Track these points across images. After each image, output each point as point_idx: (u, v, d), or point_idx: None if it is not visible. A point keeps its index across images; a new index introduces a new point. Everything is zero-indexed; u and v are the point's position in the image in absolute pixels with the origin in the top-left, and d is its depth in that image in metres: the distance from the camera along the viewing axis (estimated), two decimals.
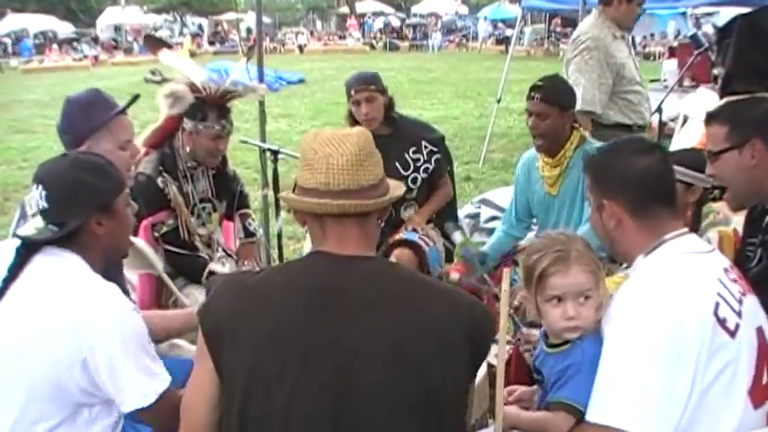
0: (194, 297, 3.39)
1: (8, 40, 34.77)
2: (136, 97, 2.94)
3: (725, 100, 2.63)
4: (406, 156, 3.98)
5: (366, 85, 3.84)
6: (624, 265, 2.24)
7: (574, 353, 1.93)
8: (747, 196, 2.47)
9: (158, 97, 3.32)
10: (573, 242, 1.97)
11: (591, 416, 1.77)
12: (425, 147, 4.02)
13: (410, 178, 3.97)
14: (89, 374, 1.91)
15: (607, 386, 1.77)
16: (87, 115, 2.73)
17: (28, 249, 2.03)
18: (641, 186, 1.94)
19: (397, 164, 3.89)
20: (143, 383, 1.94)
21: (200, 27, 40.86)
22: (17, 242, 2.06)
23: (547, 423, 1.90)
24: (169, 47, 3.89)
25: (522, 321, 3.20)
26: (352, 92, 3.84)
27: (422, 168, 4.02)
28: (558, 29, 33.45)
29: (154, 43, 3.89)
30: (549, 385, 1.98)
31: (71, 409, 1.97)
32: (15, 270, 2.00)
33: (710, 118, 2.43)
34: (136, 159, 3.07)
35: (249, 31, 25.14)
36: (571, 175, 3.56)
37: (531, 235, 3.99)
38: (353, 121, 3.90)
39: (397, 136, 3.94)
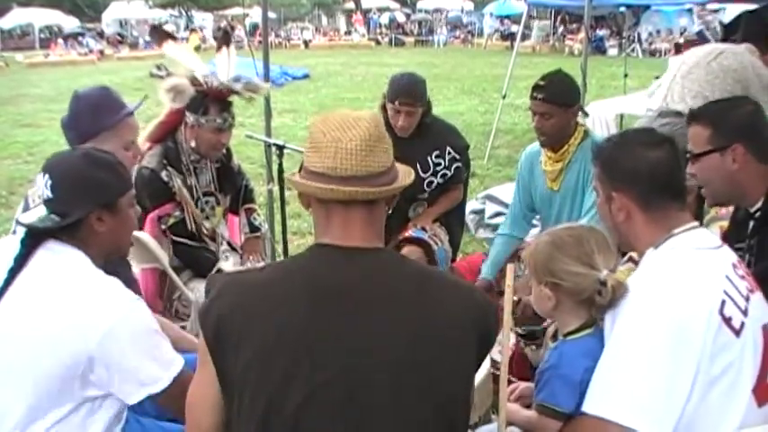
0: (199, 291, 3.39)
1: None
2: (144, 98, 2.95)
3: (708, 101, 2.62)
4: (429, 159, 3.92)
5: (412, 101, 3.76)
6: (625, 259, 2.23)
7: (553, 355, 1.97)
8: (726, 197, 2.47)
9: (160, 92, 3.33)
10: (548, 235, 2.03)
11: (588, 407, 1.77)
12: (449, 153, 3.97)
13: (426, 181, 3.93)
14: (96, 369, 1.92)
15: (607, 379, 1.76)
16: (96, 115, 2.74)
17: (33, 239, 2.03)
18: (652, 180, 1.93)
19: (418, 165, 3.82)
20: (153, 371, 1.95)
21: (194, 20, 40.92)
22: (20, 237, 2.06)
23: (537, 423, 1.93)
24: (174, 39, 3.88)
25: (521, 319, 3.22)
26: (396, 102, 3.75)
27: (440, 173, 3.97)
28: (568, 25, 33.43)
29: (159, 35, 3.89)
30: (535, 383, 2.02)
31: (76, 402, 1.97)
32: (21, 261, 2.00)
33: (692, 118, 2.42)
34: (138, 160, 3.08)
35: (255, 26, 25.13)
36: (572, 169, 3.54)
37: (534, 231, 3.97)
38: (385, 119, 3.81)
39: (423, 138, 3.87)
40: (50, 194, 2.03)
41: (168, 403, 2.02)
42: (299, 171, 1.73)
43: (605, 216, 2.06)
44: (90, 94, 2.84)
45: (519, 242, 3.87)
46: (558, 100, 3.42)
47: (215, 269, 3.48)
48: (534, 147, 3.77)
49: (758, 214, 2.38)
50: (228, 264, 3.63)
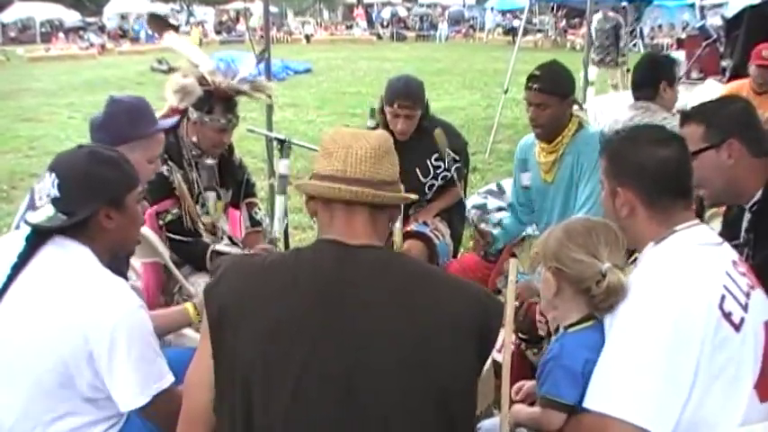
0: (200, 285, 3.39)
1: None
2: (181, 117, 2.98)
3: (699, 101, 2.62)
4: (428, 162, 3.92)
5: (411, 103, 3.75)
6: (631, 258, 2.23)
7: (554, 347, 1.96)
8: (724, 195, 2.47)
9: (167, 90, 3.32)
10: (555, 232, 2.00)
11: (589, 403, 1.77)
12: (448, 154, 3.91)
13: (428, 185, 3.94)
14: (95, 368, 1.92)
15: (609, 374, 1.76)
16: (133, 123, 2.76)
17: (38, 237, 2.04)
18: (658, 178, 1.92)
19: (418, 170, 3.83)
20: (138, 384, 1.94)
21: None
22: (26, 232, 2.06)
23: (541, 419, 1.91)
24: (175, 29, 3.86)
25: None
26: (395, 105, 3.74)
27: (440, 176, 3.97)
28: (570, 20, 33.37)
29: (158, 24, 3.86)
30: (537, 377, 2.01)
31: (77, 402, 1.98)
32: (25, 258, 2.01)
33: (686, 119, 2.43)
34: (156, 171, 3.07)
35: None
36: (565, 161, 3.52)
37: (529, 230, 3.95)
38: (384, 122, 3.82)
39: (422, 142, 3.84)
40: (57, 193, 2.03)
41: (153, 416, 2.02)
42: (310, 179, 1.75)
43: (609, 210, 2.05)
44: (128, 100, 2.87)
45: (524, 228, 3.88)
46: (553, 90, 3.40)
47: (209, 250, 3.48)
48: (529, 138, 3.75)
49: (755, 207, 2.38)
50: (229, 250, 3.62)
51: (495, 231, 3.88)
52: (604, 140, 2.14)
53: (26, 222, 2.10)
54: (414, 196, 1.85)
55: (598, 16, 13.01)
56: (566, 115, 3.48)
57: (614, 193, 1.99)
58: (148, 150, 2.79)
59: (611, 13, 12.71)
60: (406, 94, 3.77)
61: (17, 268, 1.99)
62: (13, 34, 36.46)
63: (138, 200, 2.21)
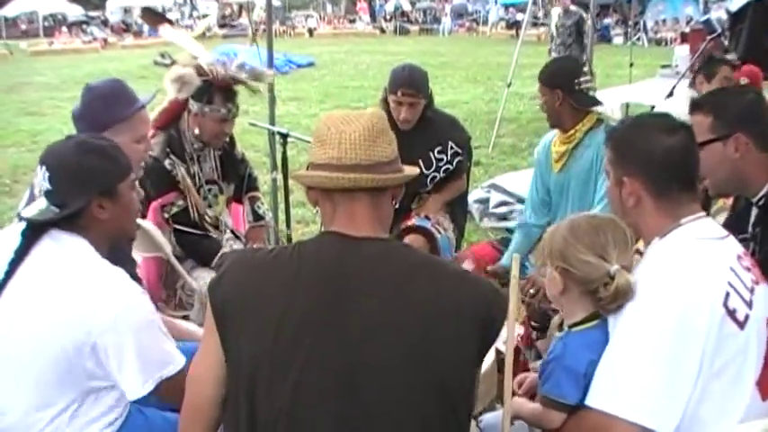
0: (203, 280, 3.39)
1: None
2: (157, 91, 2.97)
3: (710, 89, 2.61)
4: (431, 154, 3.91)
5: (415, 91, 3.74)
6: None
7: (557, 346, 1.95)
8: (727, 186, 2.45)
9: (165, 81, 3.33)
10: (560, 229, 1.97)
11: (592, 401, 1.76)
12: (451, 147, 3.95)
13: (430, 177, 3.92)
14: (98, 359, 1.91)
15: (612, 373, 1.75)
16: (108, 107, 2.73)
17: (33, 231, 2.03)
18: (665, 167, 1.90)
19: (421, 162, 3.80)
20: (145, 371, 1.94)
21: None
22: (22, 227, 2.06)
23: (542, 417, 1.91)
24: (170, 22, 3.85)
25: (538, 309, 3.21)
26: (399, 93, 3.73)
27: (443, 168, 3.96)
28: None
29: (153, 17, 3.84)
30: (539, 375, 2.00)
31: (79, 393, 1.97)
32: (21, 253, 2.00)
33: (695, 107, 2.40)
34: (148, 153, 3.06)
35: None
36: (584, 155, 3.53)
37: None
38: (387, 111, 3.79)
39: (425, 133, 3.85)
40: (49, 186, 2.02)
41: (169, 397, 2.02)
42: (307, 169, 1.75)
43: (614, 201, 2.03)
44: (103, 85, 2.83)
45: (539, 230, 3.81)
46: (543, 80, 3.52)
47: (217, 257, 3.48)
48: (547, 137, 3.81)
49: (762, 201, 2.36)
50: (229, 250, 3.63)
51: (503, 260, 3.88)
52: (609, 129, 2.12)
53: (19, 217, 2.09)
54: (416, 170, 1.82)
55: (558, 10, 12.19)
56: (561, 106, 3.50)
57: (620, 182, 1.96)
58: (134, 131, 2.76)
59: (572, 7, 11.72)
60: (409, 82, 3.75)
61: (14, 263, 1.99)
62: (19, 28, 36.46)
63: (132, 187, 2.19)
